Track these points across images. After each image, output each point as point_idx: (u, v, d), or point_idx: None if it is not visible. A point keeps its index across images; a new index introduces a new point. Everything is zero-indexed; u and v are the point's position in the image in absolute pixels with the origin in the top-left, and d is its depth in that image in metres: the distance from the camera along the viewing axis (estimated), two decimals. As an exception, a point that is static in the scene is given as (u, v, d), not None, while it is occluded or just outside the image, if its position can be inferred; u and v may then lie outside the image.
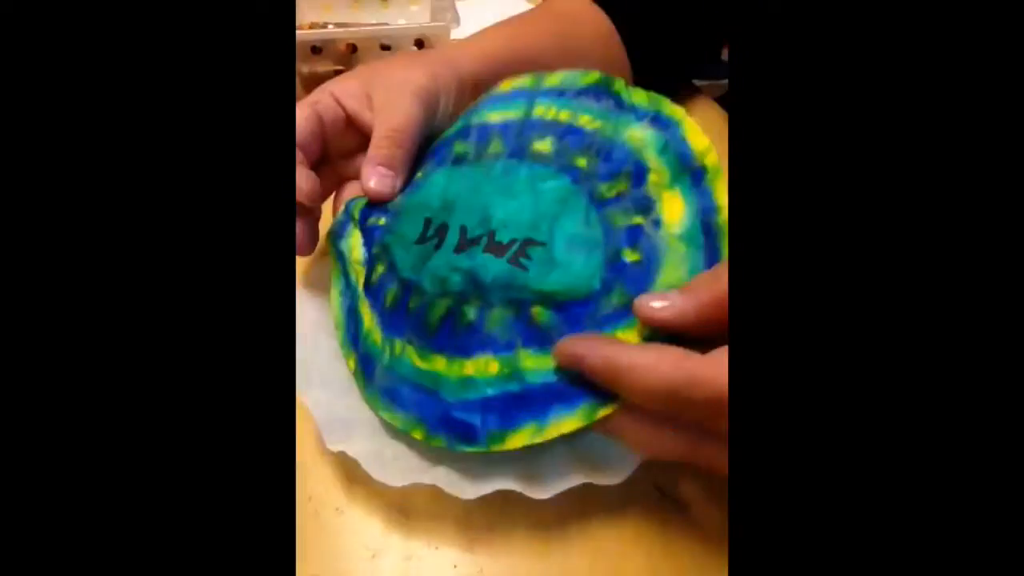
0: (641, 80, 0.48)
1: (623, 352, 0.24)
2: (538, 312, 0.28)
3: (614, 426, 0.26)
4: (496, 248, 0.30)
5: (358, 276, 0.34)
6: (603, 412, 0.26)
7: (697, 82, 0.56)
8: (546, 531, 0.30)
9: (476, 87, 0.39)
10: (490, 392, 0.28)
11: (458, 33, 0.52)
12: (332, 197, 0.38)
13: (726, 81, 0.81)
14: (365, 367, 0.32)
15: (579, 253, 0.29)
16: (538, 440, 0.27)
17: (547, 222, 0.29)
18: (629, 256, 0.28)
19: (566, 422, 0.26)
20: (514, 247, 0.29)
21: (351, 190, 0.37)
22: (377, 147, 0.35)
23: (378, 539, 0.30)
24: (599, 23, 0.47)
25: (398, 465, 0.30)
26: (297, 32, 0.50)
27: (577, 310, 0.28)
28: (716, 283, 0.24)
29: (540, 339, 0.28)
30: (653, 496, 0.31)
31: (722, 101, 0.56)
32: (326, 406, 0.31)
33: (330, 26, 0.56)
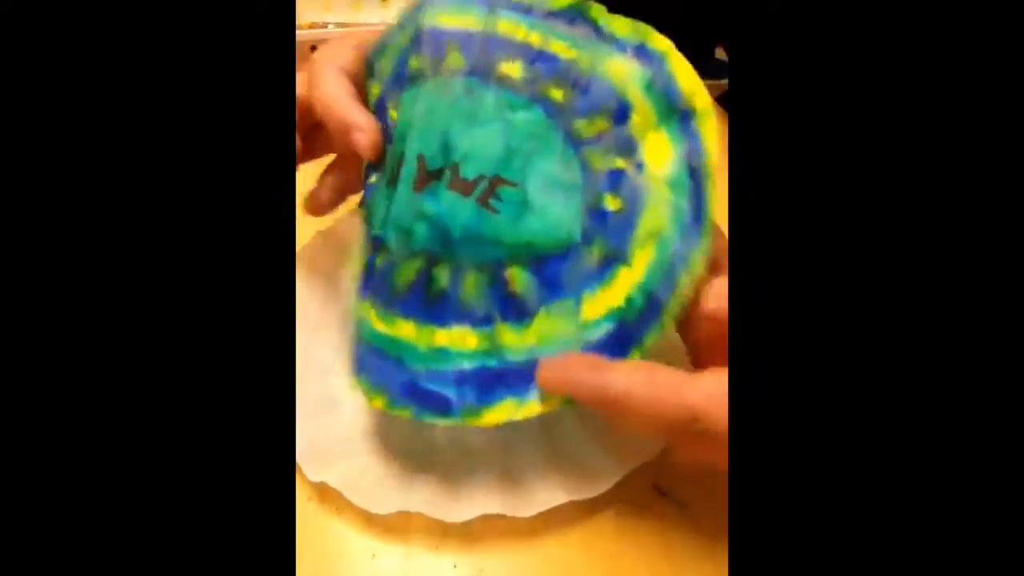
0: None
1: (612, 380, 0.23)
2: (514, 275, 0.26)
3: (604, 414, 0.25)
4: (461, 185, 0.27)
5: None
6: None
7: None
8: (545, 531, 0.30)
9: None
10: (467, 366, 0.27)
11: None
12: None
13: (726, 81, 0.81)
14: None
15: (556, 197, 0.26)
16: (518, 416, 0.26)
17: (519, 159, 0.26)
18: (610, 203, 0.26)
19: (547, 401, 0.25)
20: (482, 185, 0.26)
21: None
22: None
23: (378, 539, 0.30)
24: None
25: (381, 490, 0.29)
26: (297, 32, 0.50)
27: (555, 267, 0.26)
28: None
29: (519, 310, 0.26)
30: (653, 496, 0.31)
31: (722, 101, 0.56)
32: (305, 433, 0.31)
33: (330, 26, 0.56)
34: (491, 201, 0.26)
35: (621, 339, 0.26)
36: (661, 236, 0.25)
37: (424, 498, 0.29)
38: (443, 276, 0.27)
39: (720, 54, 0.59)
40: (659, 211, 0.25)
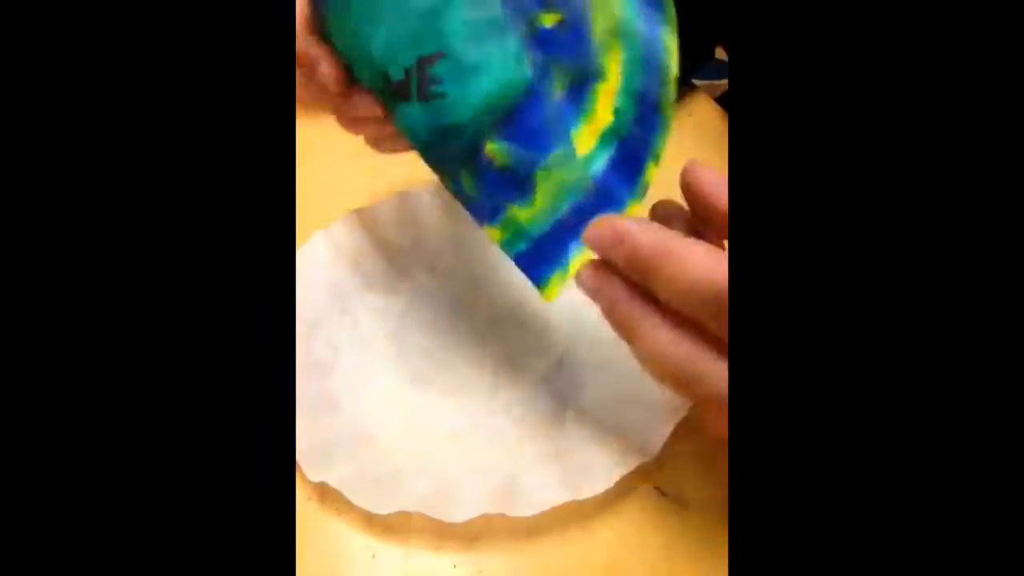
0: None
1: (674, 237, 0.22)
2: (492, 150, 0.24)
3: (624, 318, 0.24)
4: (401, 90, 0.24)
5: None
6: None
7: (697, 82, 0.56)
8: (545, 531, 0.30)
9: None
10: (511, 255, 0.26)
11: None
12: None
13: (726, 81, 0.81)
14: None
15: (487, 44, 0.23)
16: (569, 279, 0.25)
17: (426, 23, 0.23)
18: (547, 20, 0.23)
19: (586, 252, 0.24)
20: (414, 77, 0.23)
21: None
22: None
23: (378, 539, 0.30)
24: None
25: (380, 490, 0.29)
26: (297, 32, 0.50)
27: (526, 119, 0.23)
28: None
29: (517, 184, 0.24)
30: (652, 496, 0.31)
31: (722, 101, 0.56)
32: (305, 433, 0.31)
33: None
34: (432, 88, 0.23)
35: (628, 156, 0.23)
36: (622, 28, 0.23)
37: (423, 498, 0.29)
38: (451, 185, 0.26)
39: (720, 54, 0.59)
40: (607, 6, 0.23)
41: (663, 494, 0.31)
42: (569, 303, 0.36)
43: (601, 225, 0.23)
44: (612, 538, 0.30)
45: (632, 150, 0.24)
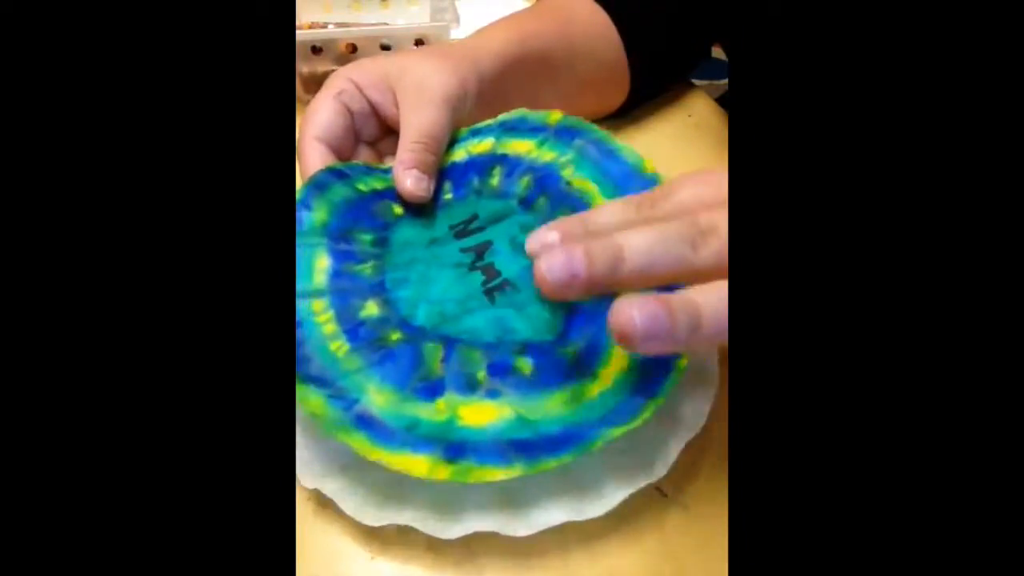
0: (637, 76, 0.48)
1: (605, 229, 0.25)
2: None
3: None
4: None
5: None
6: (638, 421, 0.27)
7: (697, 82, 0.56)
8: (545, 532, 0.30)
9: (494, 88, 0.40)
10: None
11: (458, 33, 0.52)
12: None
13: (726, 81, 0.81)
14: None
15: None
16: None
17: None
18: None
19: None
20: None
21: None
22: (411, 150, 0.35)
23: (377, 539, 0.30)
24: (597, 20, 0.47)
25: (375, 502, 0.29)
26: (297, 32, 0.50)
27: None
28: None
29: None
30: (653, 496, 0.31)
31: (722, 101, 0.56)
32: (303, 437, 0.31)
33: (330, 26, 0.56)
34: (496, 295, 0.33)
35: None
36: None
37: (418, 513, 0.29)
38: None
39: (719, 54, 0.59)
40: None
41: (663, 494, 0.31)
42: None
43: (552, 270, 0.23)
44: (612, 538, 0.30)
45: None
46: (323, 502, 0.31)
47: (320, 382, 0.28)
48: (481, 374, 0.29)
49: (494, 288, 0.32)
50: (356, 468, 0.31)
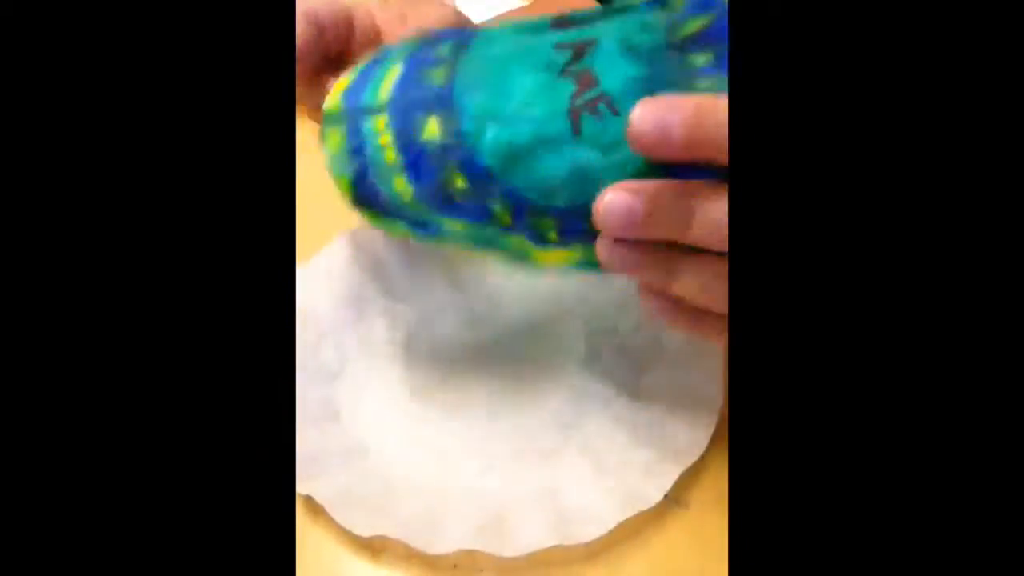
0: None
1: (679, 183, 0.23)
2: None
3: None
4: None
5: None
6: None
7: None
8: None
9: None
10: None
11: (458, 33, 0.52)
12: None
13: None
14: None
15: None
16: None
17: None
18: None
19: None
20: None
21: None
22: None
23: (378, 539, 0.30)
24: None
25: (363, 511, 0.29)
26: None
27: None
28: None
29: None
30: (653, 496, 0.31)
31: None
32: (301, 439, 0.31)
33: (330, 26, 0.56)
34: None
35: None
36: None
37: (406, 524, 0.28)
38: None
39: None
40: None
41: (664, 494, 0.31)
42: (587, 329, 0.36)
43: (612, 205, 0.23)
44: (613, 538, 0.30)
45: None
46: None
47: (394, 215, 0.27)
48: (552, 235, 0.26)
49: (584, 105, 0.24)
50: (348, 473, 0.31)
